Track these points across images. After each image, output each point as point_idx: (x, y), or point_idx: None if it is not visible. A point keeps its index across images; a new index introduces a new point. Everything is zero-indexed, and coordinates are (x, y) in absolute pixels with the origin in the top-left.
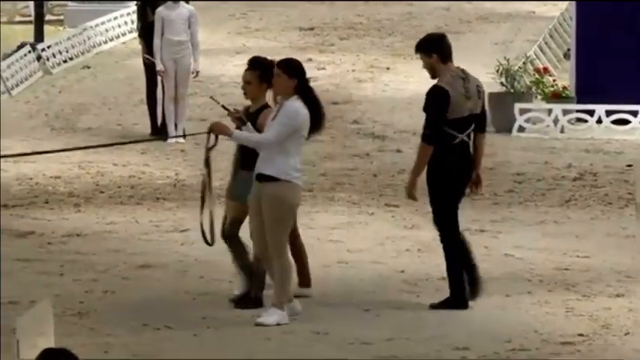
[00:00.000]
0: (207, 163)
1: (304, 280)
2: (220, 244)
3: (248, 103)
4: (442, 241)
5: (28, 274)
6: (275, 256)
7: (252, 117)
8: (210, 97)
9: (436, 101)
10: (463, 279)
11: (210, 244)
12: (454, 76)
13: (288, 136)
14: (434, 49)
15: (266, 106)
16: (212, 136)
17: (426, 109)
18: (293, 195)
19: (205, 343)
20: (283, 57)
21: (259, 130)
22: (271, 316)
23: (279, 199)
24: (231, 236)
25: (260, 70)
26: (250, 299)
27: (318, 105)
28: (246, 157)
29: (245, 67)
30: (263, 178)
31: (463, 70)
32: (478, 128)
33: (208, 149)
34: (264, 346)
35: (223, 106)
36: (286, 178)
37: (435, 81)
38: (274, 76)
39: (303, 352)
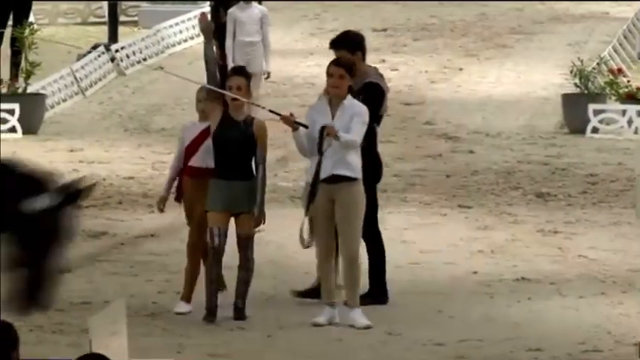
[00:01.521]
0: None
1: None
2: (292, 247)
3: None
4: (369, 235)
5: (101, 274)
6: (355, 256)
7: None
8: (265, 108)
9: (376, 98)
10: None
11: (306, 246)
12: (378, 75)
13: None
14: (358, 47)
15: None
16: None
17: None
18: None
19: (278, 343)
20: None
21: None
22: (360, 317)
23: (360, 197)
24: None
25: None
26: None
27: None
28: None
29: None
30: (339, 180)
31: (377, 69)
32: None
33: (321, 153)
34: (335, 347)
35: (272, 111)
36: (360, 177)
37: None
38: (340, 77)
39: (375, 353)
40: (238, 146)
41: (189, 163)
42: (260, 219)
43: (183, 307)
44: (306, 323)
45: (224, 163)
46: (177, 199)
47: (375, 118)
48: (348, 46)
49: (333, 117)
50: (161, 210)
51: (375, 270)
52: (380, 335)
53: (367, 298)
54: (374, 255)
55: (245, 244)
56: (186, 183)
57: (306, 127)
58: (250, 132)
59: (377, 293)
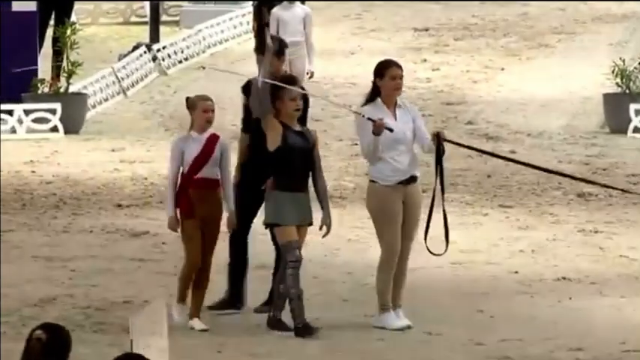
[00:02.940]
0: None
1: None
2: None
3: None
4: (238, 240)
5: (143, 273)
6: (410, 255)
7: None
8: (353, 110)
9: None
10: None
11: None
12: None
13: None
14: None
15: None
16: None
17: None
18: None
19: (319, 343)
20: (397, 58)
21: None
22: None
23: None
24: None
25: None
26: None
27: None
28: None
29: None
30: (414, 180)
31: None
32: None
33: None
34: (376, 347)
35: (365, 117)
36: None
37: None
38: (400, 78)
39: (415, 353)
40: (303, 157)
41: (198, 175)
42: (330, 228)
43: (198, 324)
44: (346, 322)
45: (290, 174)
46: (188, 214)
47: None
48: (285, 52)
49: (395, 118)
50: (176, 230)
51: (237, 275)
52: (420, 335)
53: (224, 304)
54: (237, 259)
55: (301, 256)
56: (195, 196)
57: (392, 130)
58: (312, 141)
59: (235, 299)
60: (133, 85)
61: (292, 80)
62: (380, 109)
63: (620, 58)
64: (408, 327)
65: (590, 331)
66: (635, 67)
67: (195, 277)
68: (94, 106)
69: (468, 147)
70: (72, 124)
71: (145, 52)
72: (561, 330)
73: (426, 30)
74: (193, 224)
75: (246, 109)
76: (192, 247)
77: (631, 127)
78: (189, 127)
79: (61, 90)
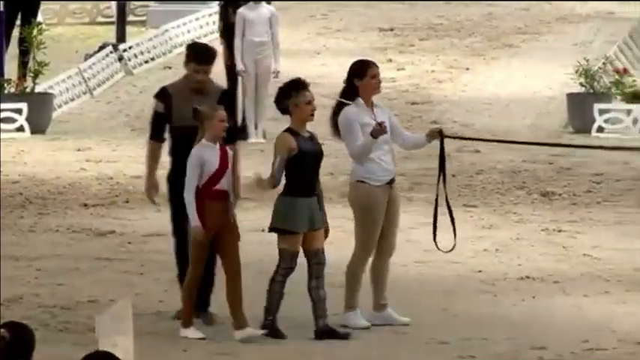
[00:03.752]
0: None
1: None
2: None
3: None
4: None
5: (109, 273)
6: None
7: None
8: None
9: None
10: None
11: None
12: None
13: None
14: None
15: None
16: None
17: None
18: None
19: (284, 342)
20: (364, 57)
21: None
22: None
23: None
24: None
25: None
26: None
27: None
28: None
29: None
30: (393, 181)
31: None
32: None
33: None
34: (343, 346)
35: (378, 122)
36: None
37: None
38: (377, 77)
39: (380, 352)
40: (316, 161)
41: (218, 187)
42: (329, 231)
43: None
44: (310, 322)
45: (304, 179)
46: (204, 225)
47: None
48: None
49: (375, 118)
50: (204, 240)
51: (212, 275)
52: (385, 334)
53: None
54: (211, 263)
55: (324, 259)
56: (213, 208)
57: (386, 132)
58: (320, 145)
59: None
60: (99, 85)
61: (303, 83)
62: (363, 110)
63: (584, 58)
64: (367, 328)
65: (553, 329)
66: (599, 67)
67: (227, 287)
68: (60, 106)
69: (471, 139)
70: (38, 124)
71: (111, 52)
72: (525, 329)
73: (392, 30)
74: (207, 235)
75: (160, 117)
76: (202, 258)
77: (595, 126)
78: (198, 137)
79: (28, 90)
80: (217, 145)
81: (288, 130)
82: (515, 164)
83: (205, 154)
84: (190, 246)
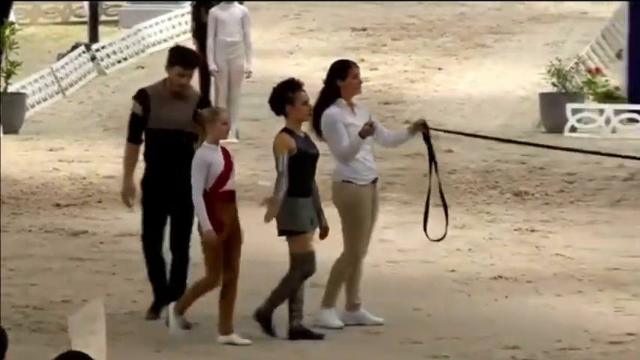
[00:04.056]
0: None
1: None
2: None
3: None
4: (185, 244)
5: (81, 273)
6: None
7: None
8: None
9: None
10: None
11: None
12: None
13: None
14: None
15: None
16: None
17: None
18: None
19: (255, 342)
20: (337, 57)
21: None
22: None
23: None
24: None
25: None
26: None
27: None
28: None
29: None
30: (376, 180)
31: None
32: None
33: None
34: (314, 346)
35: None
36: None
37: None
38: (358, 77)
39: (353, 352)
40: (313, 161)
41: (225, 188)
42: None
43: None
44: (284, 321)
45: (305, 180)
46: (216, 229)
47: None
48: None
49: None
50: (217, 244)
51: (184, 279)
52: (357, 334)
53: (150, 311)
54: (184, 265)
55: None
56: (222, 209)
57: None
58: (315, 145)
59: (159, 304)
60: (71, 85)
61: (298, 83)
62: (345, 110)
63: (557, 58)
64: (341, 328)
65: (526, 329)
66: (572, 67)
67: (222, 291)
68: (32, 106)
69: (456, 132)
70: (11, 124)
71: (83, 52)
72: (498, 328)
73: (364, 30)
74: (220, 238)
75: (138, 119)
76: (218, 264)
77: (567, 126)
78: (200, 140)
79: (0, 90)
80: (219, 147)
81: (284, 130)
82: (488, 164)
83: (210, 155)
84: (203, 250)
